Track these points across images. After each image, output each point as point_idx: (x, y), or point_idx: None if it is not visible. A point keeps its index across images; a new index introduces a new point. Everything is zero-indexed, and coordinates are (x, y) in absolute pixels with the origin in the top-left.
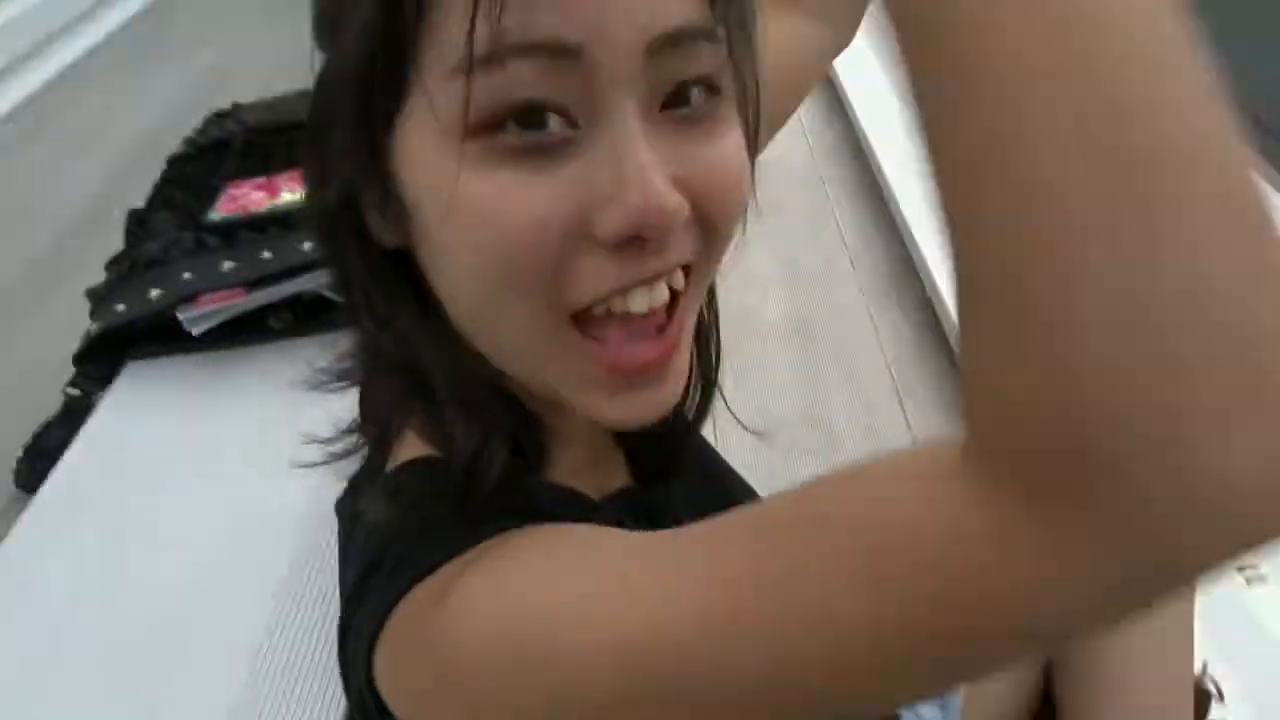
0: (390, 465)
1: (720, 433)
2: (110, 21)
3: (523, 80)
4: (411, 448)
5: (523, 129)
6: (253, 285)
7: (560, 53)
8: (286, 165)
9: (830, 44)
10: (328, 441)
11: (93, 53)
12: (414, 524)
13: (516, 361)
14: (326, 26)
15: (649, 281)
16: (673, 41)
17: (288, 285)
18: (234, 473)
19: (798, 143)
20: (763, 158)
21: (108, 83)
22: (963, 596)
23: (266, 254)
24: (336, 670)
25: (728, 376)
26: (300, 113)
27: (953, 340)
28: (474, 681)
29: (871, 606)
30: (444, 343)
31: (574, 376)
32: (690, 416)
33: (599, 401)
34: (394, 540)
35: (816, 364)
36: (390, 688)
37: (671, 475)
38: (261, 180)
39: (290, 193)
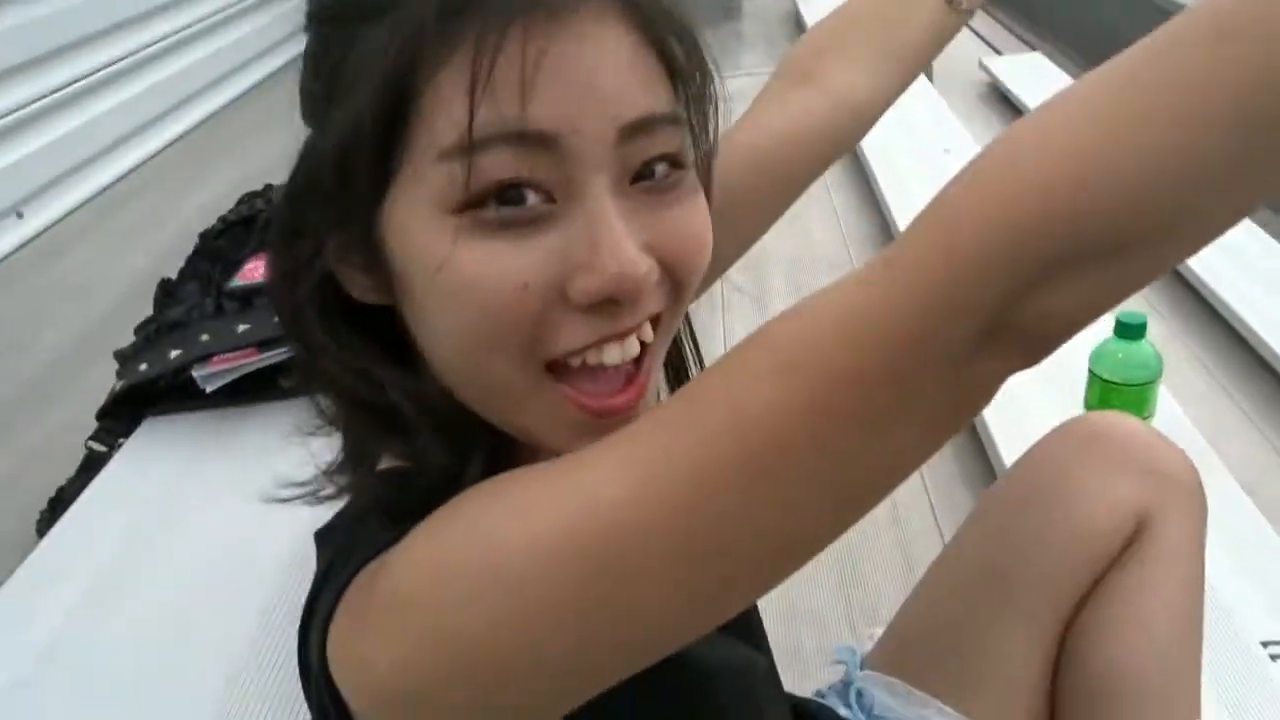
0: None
1: None
2: (179, 126)
3: (505, 164)
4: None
5: (502, 205)
6: (264, 345)
7: (540, 141)
8: None
9: (846, 122)
10: (307, 484)
11: (159, 153)
12: (376, 516)
13: (493, 406)
14: (316, 105)
15: (621, 337)
16: (640, 127)
17: None
18: (233, 521)
19: (841, 231)
20: None
21: (168, 180)
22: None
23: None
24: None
25: None
26: None
27: (981, 431)
28: (418, 613)
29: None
30: (424, 382)
31: (548, 419)
32: None
33: (572, 442)
34: (354, 534)
35: None
36: (340, 663)
37: None
38: None
39: None
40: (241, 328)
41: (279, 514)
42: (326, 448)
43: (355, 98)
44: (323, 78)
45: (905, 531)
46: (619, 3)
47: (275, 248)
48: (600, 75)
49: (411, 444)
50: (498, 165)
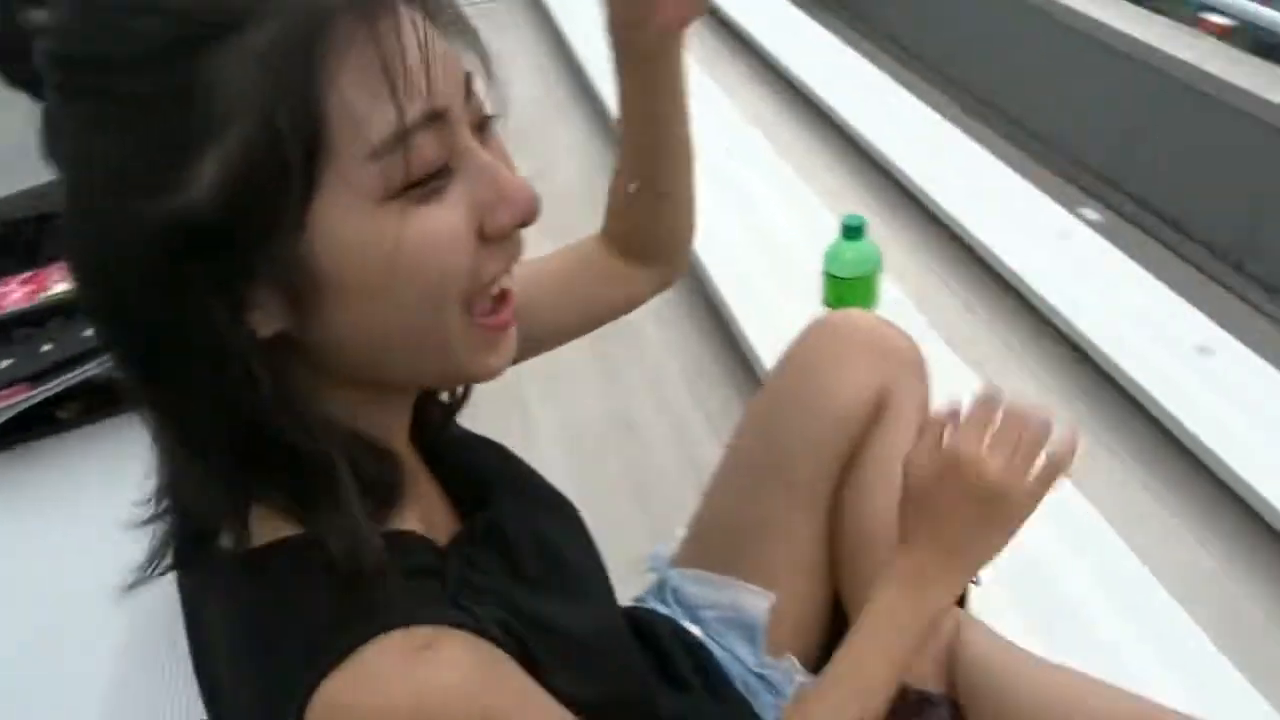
0: (249, 543)
1: (535, 443)
2: None
3: (429, 145)
4: (270, 525)
5: (422, 180)
6: (36, 380)
7: (439, 117)
8: (54, 257)
9: (633, 292)
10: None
11: None
12: (309, 604)
13: (423, 362)
14: (160, 165)
15: (517, 259)
16: (468, 84)
17: (74, 375)
18: (31, 572)
19: (587, 161)
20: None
21: None
22: None
23: (47, 346)
24: None
25: (535, 387)
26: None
27: (741, 341)
28: None
29: None
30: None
31: (468, 350)
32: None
33: (487, 358)
34: (286, 621)
35: (617, 369)
36: None
37: (489, 498)
38: (27, 275)
39: (60, 284)
40: (5, 363)
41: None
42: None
43: (239, 137)
44: (162, 135)
45: (688, 443)
46: None
47: (145, 309)
48: (436, 49)
49: (295, 490)
50: (425, 147)
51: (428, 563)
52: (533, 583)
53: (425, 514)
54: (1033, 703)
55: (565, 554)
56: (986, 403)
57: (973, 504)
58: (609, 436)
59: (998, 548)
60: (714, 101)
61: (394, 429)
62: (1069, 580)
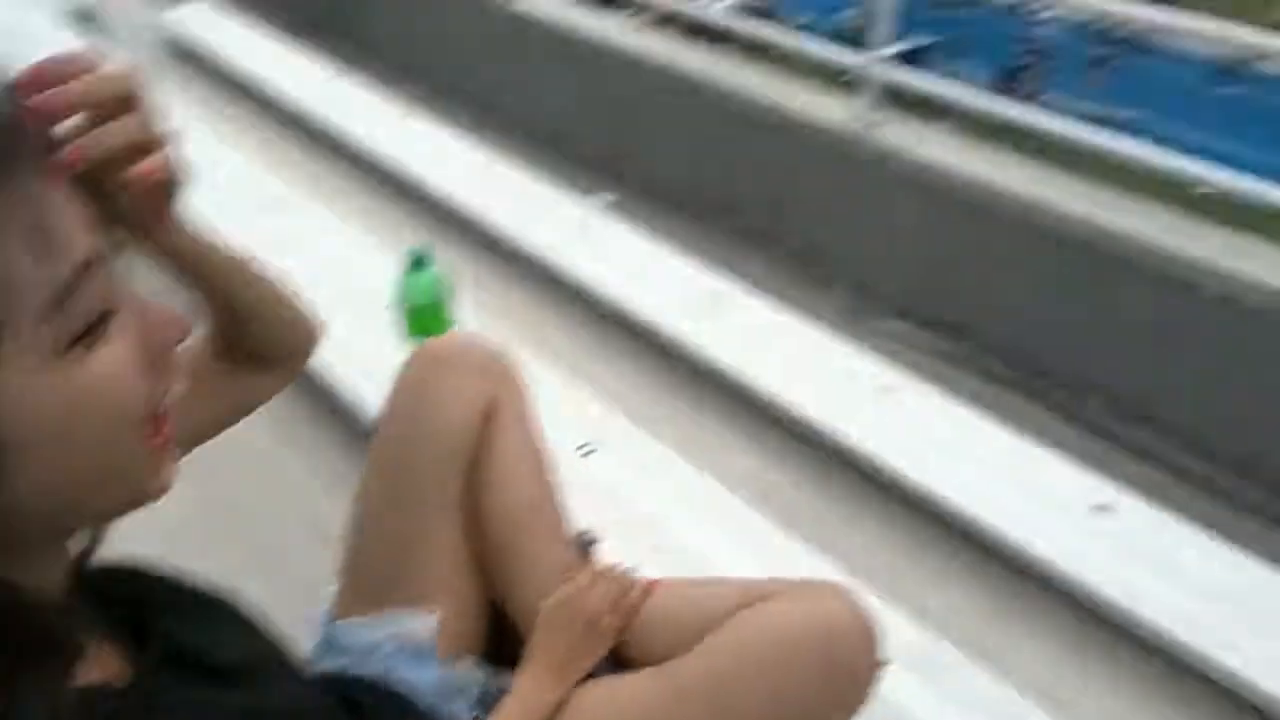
0: None
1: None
2: None
3: (86, 295)
4: None
5: (90, 329)
6: None
7: (92, 265)
8: None
9: (253, 395)
10: None
11: None
12: None
13: (105, 495)
14: None
15: (176, 376)
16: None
17: None
18: None
19: None
20: None
21: None
22: None
23: None
24: None
25: None
26: None
27: (337, 390)
28: None
29: None
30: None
31: (144, 471)
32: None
33: (159, 478)
34: None
35: (203, 453)
36: None
37: (150, 622)
38: None
39: None
40: None
41: None
42: None
43: None
44: None
45: (303, 506)
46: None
47: None
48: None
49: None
50: (87, 297)
51: (122, 708)
52: (229, 687)
53: (101, 661)
54: (664, 613)
55: (245, 649)
56: (596, 569)
57: (576, 629)
58: (214, 525)
59: (589, 666)
60: (233, 164)
61: (61, 580)
62: (659, 509)
